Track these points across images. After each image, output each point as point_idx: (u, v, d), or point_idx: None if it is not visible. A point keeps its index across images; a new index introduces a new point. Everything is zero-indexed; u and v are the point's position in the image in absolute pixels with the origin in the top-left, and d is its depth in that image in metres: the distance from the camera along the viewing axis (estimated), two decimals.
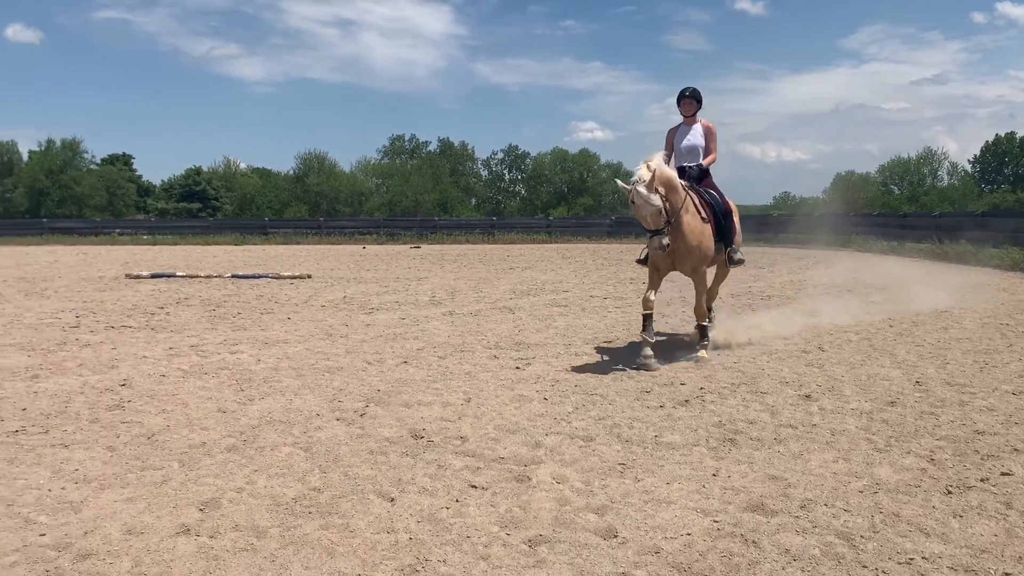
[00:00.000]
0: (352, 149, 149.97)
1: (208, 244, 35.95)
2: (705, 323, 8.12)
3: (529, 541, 3.67)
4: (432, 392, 6.60)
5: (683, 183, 7.77)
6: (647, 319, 7.63)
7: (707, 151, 8.41)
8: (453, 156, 75.99)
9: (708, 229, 7.87)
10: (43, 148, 67.54)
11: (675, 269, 7.97)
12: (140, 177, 71.69)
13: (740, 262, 8.37)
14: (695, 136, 8.39)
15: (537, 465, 4.72)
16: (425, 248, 32.74)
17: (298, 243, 36.52)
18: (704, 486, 4.37)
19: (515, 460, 4.83)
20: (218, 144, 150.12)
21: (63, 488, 4.41)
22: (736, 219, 8.62)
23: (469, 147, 77.45)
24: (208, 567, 3.43)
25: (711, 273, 8.71)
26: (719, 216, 8.13)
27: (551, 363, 7.83)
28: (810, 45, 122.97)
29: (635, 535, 3.74)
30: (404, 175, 68.23)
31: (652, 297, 7.69)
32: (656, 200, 7.19)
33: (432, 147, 77.25)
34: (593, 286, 15.77)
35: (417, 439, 5.27)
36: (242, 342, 9.22)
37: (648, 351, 7.52)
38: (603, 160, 73.93)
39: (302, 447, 5.11)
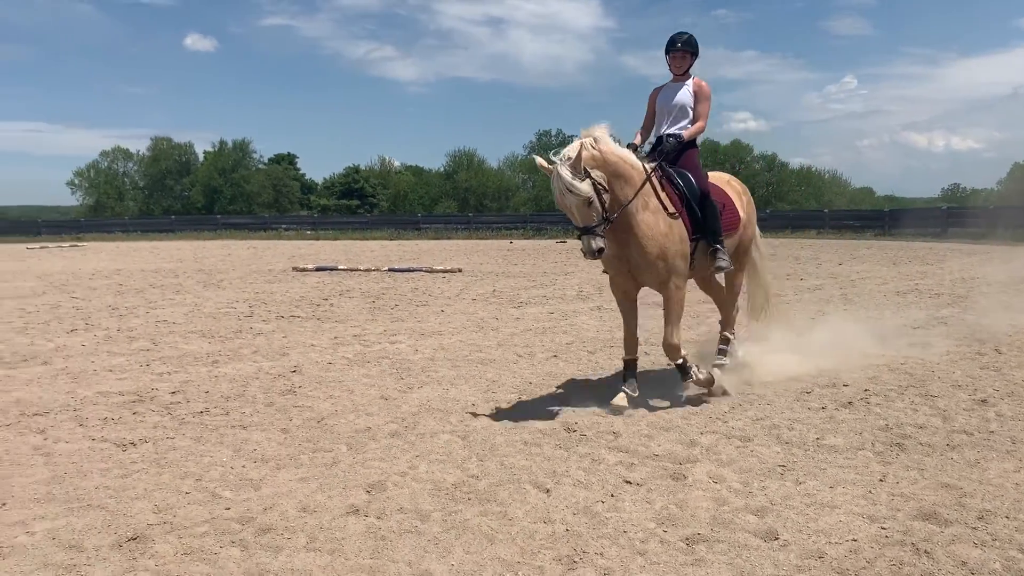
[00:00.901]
0: (500, 146, 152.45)
1: (365, 239, 37.51)
2: (679, 361, 6.06)
3: (687, 539, 3.64)
4: (583, 386, 6.64)
5: (649, 165, 5.96)
6: (628, 367, 6.08)
7: (695, 117, 6.38)
8: None
9: (677, 228, 5.90)
10: (216, 149, 72.42)
11: (642, 283, 6.13)
12: (303, 175, 75.62)
13: (721, 269, 6.22)
14: (682, 95, 6.36)
15: (693, 464, 4.66)
16: (571, 243, 32.80)
17: (448, 238, 37.53)
18: (870, 492, 4.18)
19: (670, 458, 4.79)
20: (374, 143, 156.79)
21: (243, 466, 4.75)
22: (739, 205, 6.75)
23: (619, 142, 76.94)
24: (376, 547, 3.61)
25: (729, 284, 7.09)
26: (692, 204, 6.08)
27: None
28: (983, 26, 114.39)
29: (797, 538, 3.63)
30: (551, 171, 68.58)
31: (633, 340, 6.11)
32: (583, 188, 5.38)
33: None
34: None
35: (570, 432, 5.32)
36: (400, 333, 9.59)
37: (623, 400, 5.83)
38: (756, 151, 71.56)
39: (460, 435, 5.27)
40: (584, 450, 4.95)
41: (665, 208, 5.87)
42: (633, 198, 5.69)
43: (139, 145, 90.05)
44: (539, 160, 5.53)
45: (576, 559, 3.46)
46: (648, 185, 5.83)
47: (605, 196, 5.54)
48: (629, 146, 6.10)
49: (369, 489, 4.31)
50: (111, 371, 7.52)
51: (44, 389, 6.77)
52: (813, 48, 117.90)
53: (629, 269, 5.93)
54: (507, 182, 69.82)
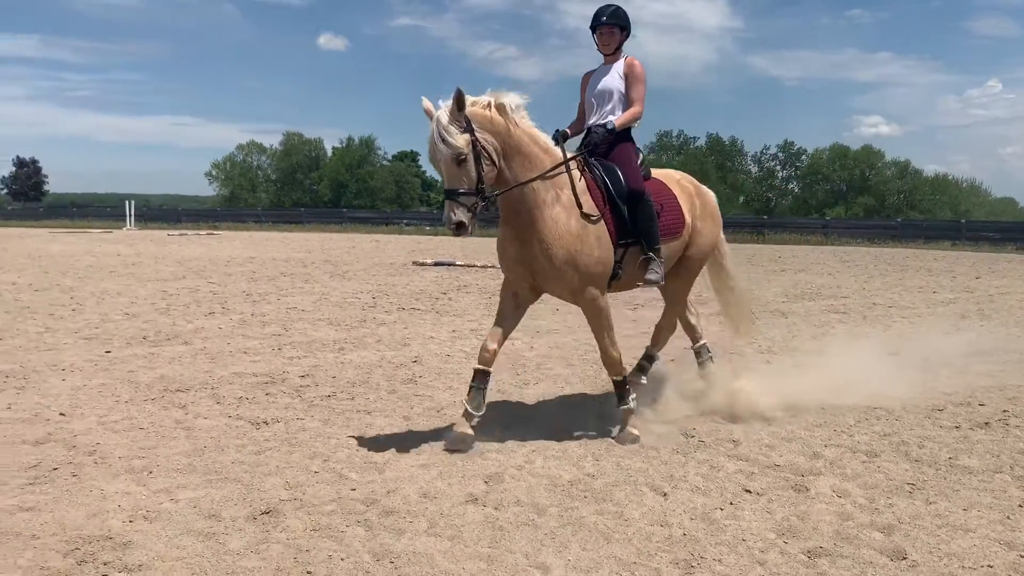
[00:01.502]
0: None
1: (482, 236, 37.94)
2: (618, 379, 5.35)
3: (808, 552, 3.56)
4: (701, 392, 6.55)
5: (570, 153, 5.21)
6: (478, 378, 5.13)
7: (627, 103, 5.52)
8: (721, 152, 74.08)
9: (594, 230, 5.05)
10: (344, 145, 75.06)
11: (547, 291, 5.37)
12: (424, 172, 77.36)
13: (651, 282, 5.26)
14: (611, 79, 5.53)
15: (816, 476, 4.54)
16: None
17: None
18: (1008, 517, 3.97)
19: (791, 469, 4.68)
20: None
21: (368, 450, 4.93)
22: (686, 206, 5.69)
23: (739, 143, 75.05)
24: (495, 536, 3.69)
25: (671, 298, 6.09)
26: (617, 203, 5.18)
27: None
28: None
29: (927, 560, 3.49)
30: None
31: (492, 344, 5.19)
32: (457, 140, 4.60)
33: (700, 143, 75.83)
34: (875, 293, 14.70)
35: (688, 438, 5.27)
36: (515, 329, 9.67)
37: (465, 427, 5.01)
38: (888, 157, 68.47)
39: (578, 435, 5.30)
40: (702, 456, 4.90)
41: (579, 204, 5.03)
42: (527, 183, 4.91)
43: (272, 140, 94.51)
44: (426, 102, 4.75)
45: (694, 564, 3.44)
46: (565, 177, 5.07)
47: (488, 166, 4.76)
48: (558, 133, 5.36)
49: (487, 480, 4.40)
50: (245, 353, 7.93)
51: (185, 367, 7.21)
52: (953, 49, 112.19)
53: (531, 274, 5.12)
54: None
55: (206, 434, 5.19)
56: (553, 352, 8.28)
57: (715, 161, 71.28)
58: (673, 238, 5.55)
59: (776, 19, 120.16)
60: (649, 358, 6.23)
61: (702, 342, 6.40)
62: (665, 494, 4.24)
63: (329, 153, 75.75)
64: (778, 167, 74.29)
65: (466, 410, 5.06)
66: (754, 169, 75.42)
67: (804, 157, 72.29)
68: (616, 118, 5.42)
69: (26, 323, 9.43)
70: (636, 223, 5.22)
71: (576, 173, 5.14)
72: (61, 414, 5.60)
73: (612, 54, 5.58)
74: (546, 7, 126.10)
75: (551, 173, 5.01)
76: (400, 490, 4.23)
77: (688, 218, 5.70)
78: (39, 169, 79.96)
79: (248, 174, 76.22)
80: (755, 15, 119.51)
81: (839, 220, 44.96)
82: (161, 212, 50.49)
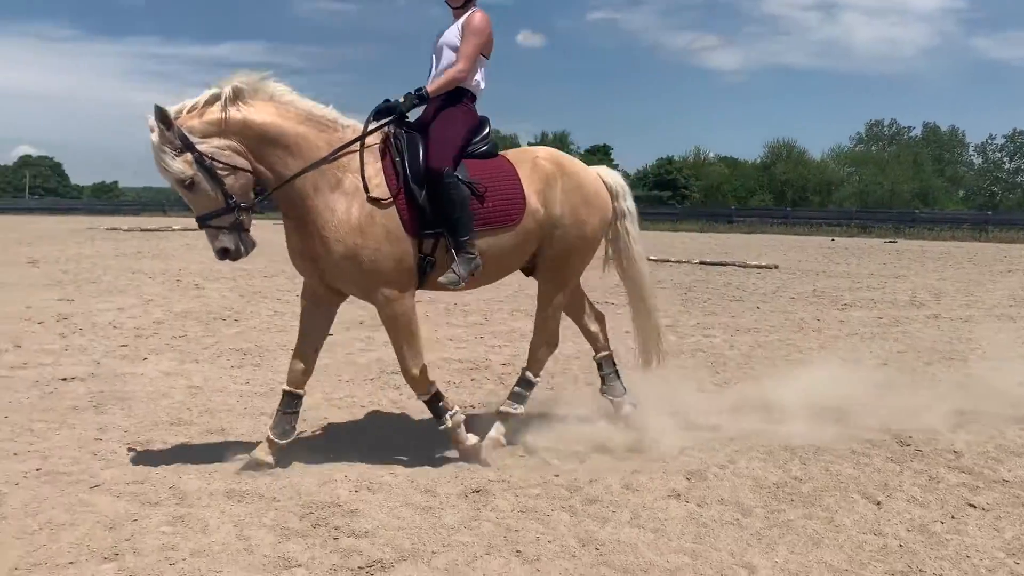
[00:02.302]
0: (823, 136, 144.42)
1: (675, 231, 37.43)
2: (425, 398, 4.66)
3: None
4: (918, 399, 6.17)
5: (350, 124, 4.44)
6: (286, 401, 4.57)
7: (455, 60, 4.63)
8: (938, 143, 68.63)
9: (382, 219, 4.30)
10: (538, 141, 76.32)
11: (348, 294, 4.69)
12: (617, 166, 77.12)
13: (445, 284, 4.39)
14: (450, 34, 4.71)
15: None
16: (901, 243, 30.19)
17: (762, 232, 36.28)
18: None
19: (1022, 485, 4.33)
20: (689, 134, 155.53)
21: (568, 438, 5.04)
22: (533, 191, 4.69)
23: (959, 132, 69.19)
24: (698, 532, 3.69)
25: (543, 304, 5.22)
26: (413, 185, 4.36)
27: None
28: None
29: None
30: (880, 163, 63.57)
31: (299, 364, 4.58)
32: (175, 165, 3.98)
33: (915, 132, 70.64)
34: None
35: (903, 446, 5.00)
36: (714, 327, 9.54)
37: (266, 455, 4.40)
38: None
39: (781, 436, 5.17)
40: (919, 466, 4.64)
41: (366, 188, 4.29)
42: (300, 173, 4.20)
43: None
44: (150, 120, 3.97)
45: None
46: (355, 157, 4.34)
47: (230, 176, 4.09)
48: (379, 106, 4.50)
49: (689, 476, 4.40)
50: (451, 340, 8.34)
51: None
52: None
53: (320, 271, 4.45)
54: (830, 175, 65.93)
55: (419, 415, 5.52)
56: (755, 352, 8.08)
57: (931, 153, 66.20)
58: (502, 228, 4.59)
59: None
60: (525, 383, 5.14)
61: (605, 353, 5.46)
62: (879, 503, 4.06)
63: None
64: (1005, 158, 67.76)
65: (269, 437, 4.44)
66: (977, 160, 69.28)
67: None
68: (431, 83, 4.60)
69: (258, 306, 10.39)
70: (434, 209, 4.36)
71: (375, 152, 4.42)
72: None
73: (460, 7, 4.72)
74: None
75: (331, 157, 4.27)
76: (602, 480, 4.32)
77: (536, 204, 4.68)
78: None
79: None
80: None
81: None
82: None
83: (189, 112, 4.07)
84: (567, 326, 5.45)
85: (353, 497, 4.02)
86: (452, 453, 4.68)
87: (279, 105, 4.28)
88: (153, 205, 57.05)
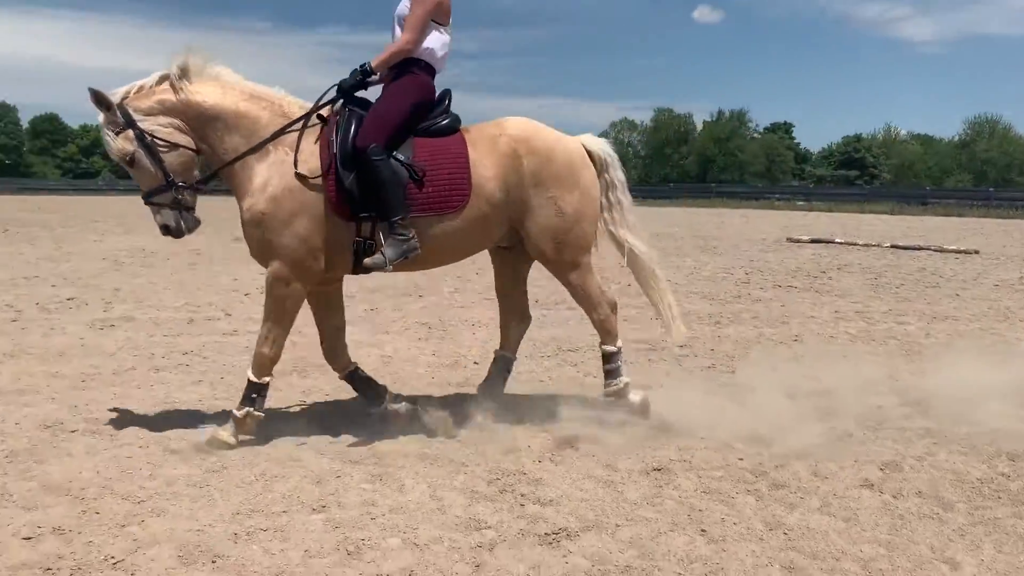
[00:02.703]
0: None
1: (862, 212, 35.36)
2: (254, 379, 4.43)
3: None
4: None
5: (296, 102, 4.49)
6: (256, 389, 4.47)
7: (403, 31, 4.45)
8: None
9: (306, 199, 4.25)
10: (714, 119, 74.26)
11: None
12: (798, 145, 73.98)
13: (377, 265, 4.26)
14: (401, 6, 4.49)
15: None
16: None
17: (960, 215, 33.57)
18: None
19: None
20: (878, 110, 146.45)
21: (751, 423, 4.93)
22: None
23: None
24: (894, 524, 3.53)
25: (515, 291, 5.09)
26: (340, 165, 4.24)
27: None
28: None
29: None
30: None
31: (335, 337, 4.76)
32: (116, 144, 4.19)
33: None
34: None
35: None
36: (908, 314, 8.99)
37: (228, 435, 4.34)
38: None
39: (983, 430, 4.82)
40: None
41: (296, 165, 4.25)
42: (248, 152, 4.29)
43: (643, 116, 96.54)
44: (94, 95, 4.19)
45: None
46: (293, 134, 4.34)
47: (171, 154, 4.24)
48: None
49: (883, 467, 4.20)
50: (626, 320, 8.31)
51: (573, 330, 7.78)
52: None
53: None
54: None
55: (597, 392, 5.57)
56: (955, 341, 7.56)
57: None
58: (443, 215, 4.40)
59: None
60: (606, 357, 4.96)
61: (507, 354, 5.15)
62: None
63: (699, 128, 75.45)
64: None
65: (248, 412, 4.39)
66: None
67: None
68: (376, 57, 4.45)
69: (440, 284, 10.81)
70: (363, 190, 4.23)
71: (317, 130, 4.38)
72: (475, 363, 6.40)
73: None
74: None
75: (274, 135, 4.31)
76: (789, 466, 4.20)
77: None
78: None
79: (620, 151, 78.74)
80: None
81: None
82: None
83: (137, 92, 4.26)
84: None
85: (537, 467, 4.15)
86: (632, 430, 4.68)
87: (223, 85, 4.39)
88: None
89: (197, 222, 4.47)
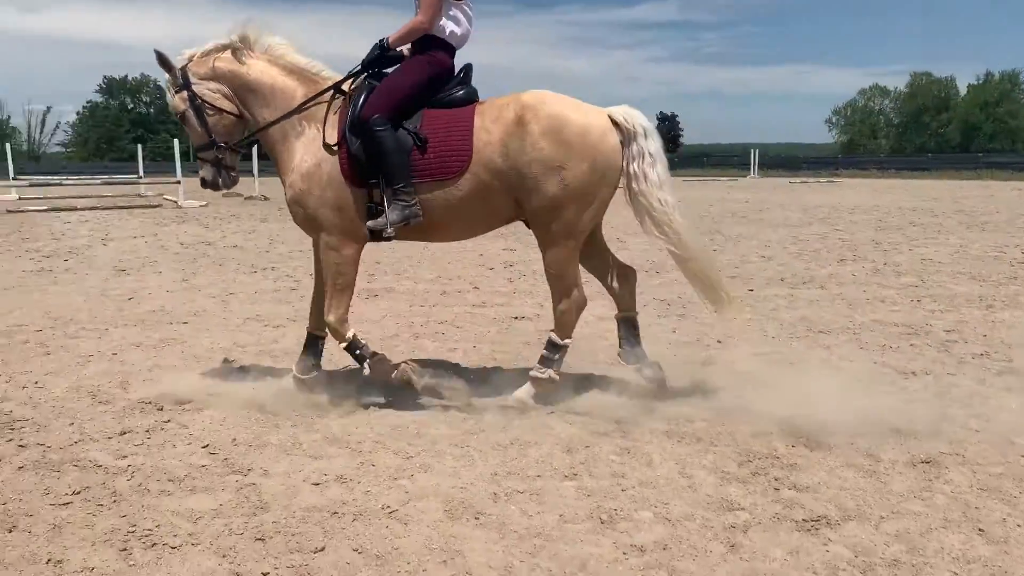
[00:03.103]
0: None
1: None
2: (343, 344, 4.70)
3: None
4: None
5: (331, 77, 4.74)
6: (308, 341, 4.98)
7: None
8: None
9: (329, 169, 4.53)
10: (980, 82, 66.96)
11: None
12: None
13: (378, 228, 4.47)
14: None
15: None
16: None
17: None
18: None
19: None
20: None
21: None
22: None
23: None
24: None
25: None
26: (349, 135, 4.49)
27: None
28: None
29: None
30: None
31: (316, 308, 4.98)
32: (172, 101, 4.74)
33: None
34: None
35: None
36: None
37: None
38: None
39: None
40: None
41: (322, 135, 4.57)
42: (274, 122, 4.65)
43: (896, 82, 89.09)
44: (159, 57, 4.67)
45: None
46: (322, 107, 4.63)
47: (215, 117, 4.70)
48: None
49: None
50: (882, 302, 7.79)
51: (823, 310, 7.40)
52: None
53: None
54: None
55: (852, 377, 5.27)
56: None
57: None
58: (445, 180, 4.48)
59: None
60: (551, 345, 4.70)
61: (627, 314, 4.99)
62: None
63: (962, 92, 68.40)
64: None
65: (295, 375, 4.87)
66: None
67: None
68: (393, 33, 4.61)
69: None
70: (368, 158, 4.45)
71: (343, 103, 4.64)
72: (718, 341, 6.28)
73: None
74: None
75: (300, 108, 4.63)
76: None
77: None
78: (677, 123, 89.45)
79: (869, 120, 73.35)
80: None
81: None
82: (781, 160, 51.81)
83: (200, 56, 4.70)
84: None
85: (791, 452, 4.01)
86: (894, 420, 4.38)
87: (270, 58, 4.74)
88: None
89: (234, 181, 4.91)
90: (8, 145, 25.01)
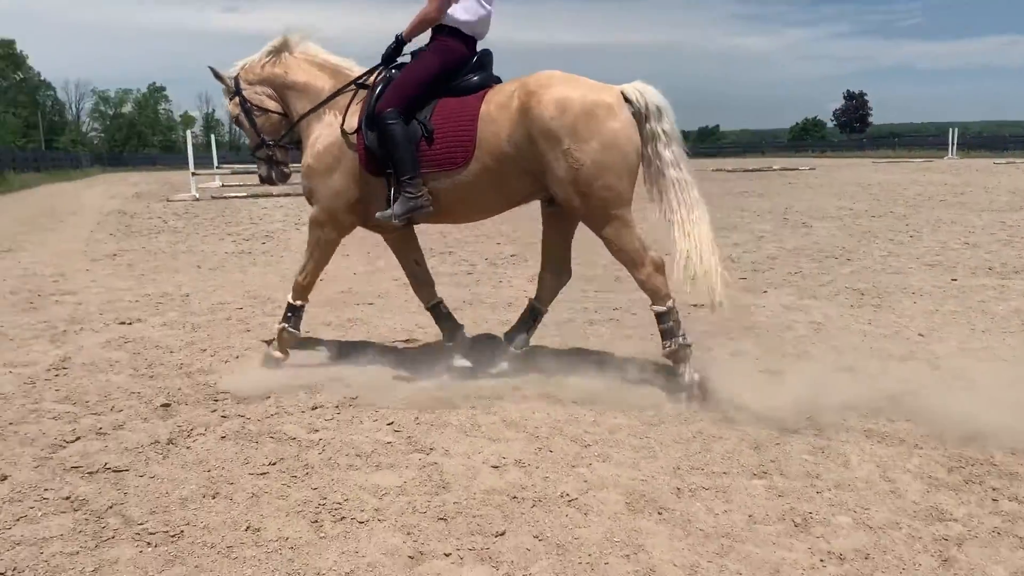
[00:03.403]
0: None
1: None
2: (294, 303, 5.09)
3: None
4: None
5: (358, 70, 4.93)
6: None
7: None
8: None
9: (342, 152, 4.73)
10: None
11: None
12: None
13: (384, 218, 4.59)
14: None
15: None
16: None
17: None
18: None
19: None
20: None
21: None
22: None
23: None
24: None
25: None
26: (364, 127, 4.64)
27: None
28: None
29: None
30: None
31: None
32: (228, 107, 5.14)
33: None
34: None
35: None
36: None
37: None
38: None
39: None
40: None
41: (341, 122, 4.78)
42: (306, 114, 4.95)
43: None
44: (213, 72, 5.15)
45: None
46: (347, 97, 4.84)
47: (263, 117, 5.08)
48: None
49: None
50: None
51: None
52: None
53: None
54: None
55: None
56: None
57: None
58: (447, 171, 4.56)
59: None
60: (659, 317, 4.60)
61: (537, 305, 5.15)
62: None
63: None
64: None
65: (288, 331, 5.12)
66: None
67: None
68: (407, 26, 4.70)
69: (870, 246, 10.01)
70: (381, 147, 4.58)
71: (363, 94, 4.82)
72: (920, 335, 5.79)
73: None
74: None
75: (329, 98, 4.88)
76: None
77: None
78: (865, 101, 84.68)
79: None
80: None
81: None
82: (984, 140, 47.66)
83: (252, 65, 5.06)
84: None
85: (1010, 459, 3.62)
86: None
87: (307, 57, 5.02)
88: (752, 146, 59.00)
89: (286, 176, 5.26)
90: (212, 136, 27.07)
